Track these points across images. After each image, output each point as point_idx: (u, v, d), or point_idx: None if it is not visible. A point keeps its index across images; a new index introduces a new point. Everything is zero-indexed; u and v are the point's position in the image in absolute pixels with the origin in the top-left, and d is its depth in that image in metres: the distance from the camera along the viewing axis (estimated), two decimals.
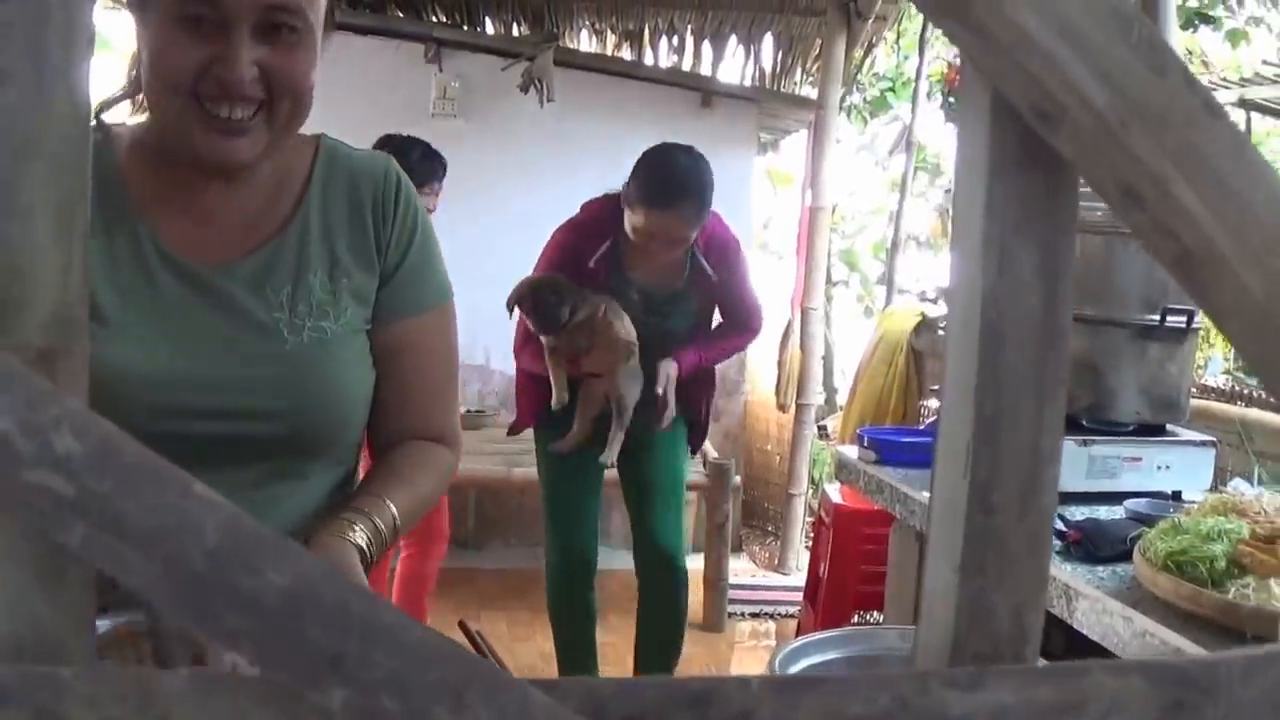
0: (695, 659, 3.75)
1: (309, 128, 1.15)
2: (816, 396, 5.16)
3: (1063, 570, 1.70)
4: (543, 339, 2.76)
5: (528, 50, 4.95)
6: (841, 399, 6.68)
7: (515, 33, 5.36)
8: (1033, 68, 0.42)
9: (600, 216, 2.82)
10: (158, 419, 1.01)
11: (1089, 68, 0.41)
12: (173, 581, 0.39)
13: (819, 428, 5.87)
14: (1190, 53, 6.97)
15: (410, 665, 0.40)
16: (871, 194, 8.99)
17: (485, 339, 4.70)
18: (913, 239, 7.93)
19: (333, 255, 1.14)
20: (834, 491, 3.75)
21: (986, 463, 0.46)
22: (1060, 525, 1.83)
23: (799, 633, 3.93)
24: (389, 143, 3.37)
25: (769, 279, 6.23)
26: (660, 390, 2.81)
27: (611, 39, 5.55)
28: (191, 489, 0.40)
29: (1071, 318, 0.47)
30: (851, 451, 2.58)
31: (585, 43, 5.53)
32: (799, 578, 4.47)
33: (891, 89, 7.85)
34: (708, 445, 3.88)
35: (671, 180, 2.68)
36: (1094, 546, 1.76)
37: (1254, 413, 3.07)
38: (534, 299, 2.71)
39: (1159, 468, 2.14)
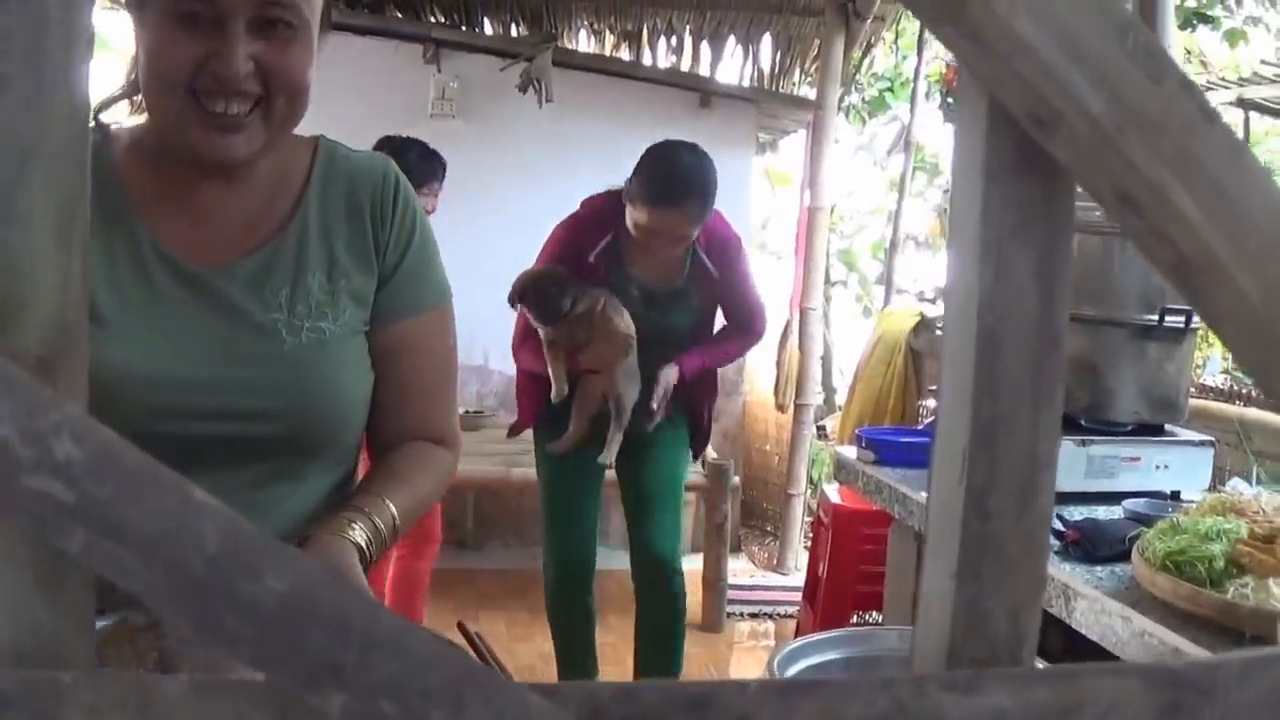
0: (694, 659, 3.75)
1: (307, 129, 1.15)
2: (815, 397, 5.16)
3: (1061, 570, 1.70)
4: (541, 333, 2.75)
5: (526, 51, 4.95)
6: (840, 399, 6.69)
7: (514, 33, 5.37)
8: (1029, 74, 0.42)
9: (601, 212, 2.81)
10: (156, 420, 1.02)
11: (1086, 75, 0.41)
12: (173, 587, 0.39)
13: (818, 428, 5.88)
14: (1188, 52, 6.98)
15: (409, 670, 0.40)
16: (870, 194, 9.00)
17: (484, 339, 4.70)
18: (911, 239, 7.94)
19: (331, 256, 1.14)
20: (833, 492, 3.75)
21: (983, 468, 0.46)
22: (1059, 525, 1.83)
23: (798, 633, 3.93)
24: (388, 144, 3.37)
25: (768, 279, 6.22)
26: (655, 403, 2.79)
27: (610, 39, 5.55)
28: (191, 495, 0.40)
29: (1068, 323, 0.47)
30: (850, 452, 2.59)
31: (584, 43, 5.53)
32: (798, 578, 4.47)
33: (890, 89, 7.86)
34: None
35: (675, 178, 2.66)
36: (1092, 546, 1.76)
37: (1252, 412, 3.08)
38: (535, 290, 2.70)
39: (1157, 467, 2.14)
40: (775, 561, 5.10)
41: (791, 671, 0.91)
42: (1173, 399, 2.20)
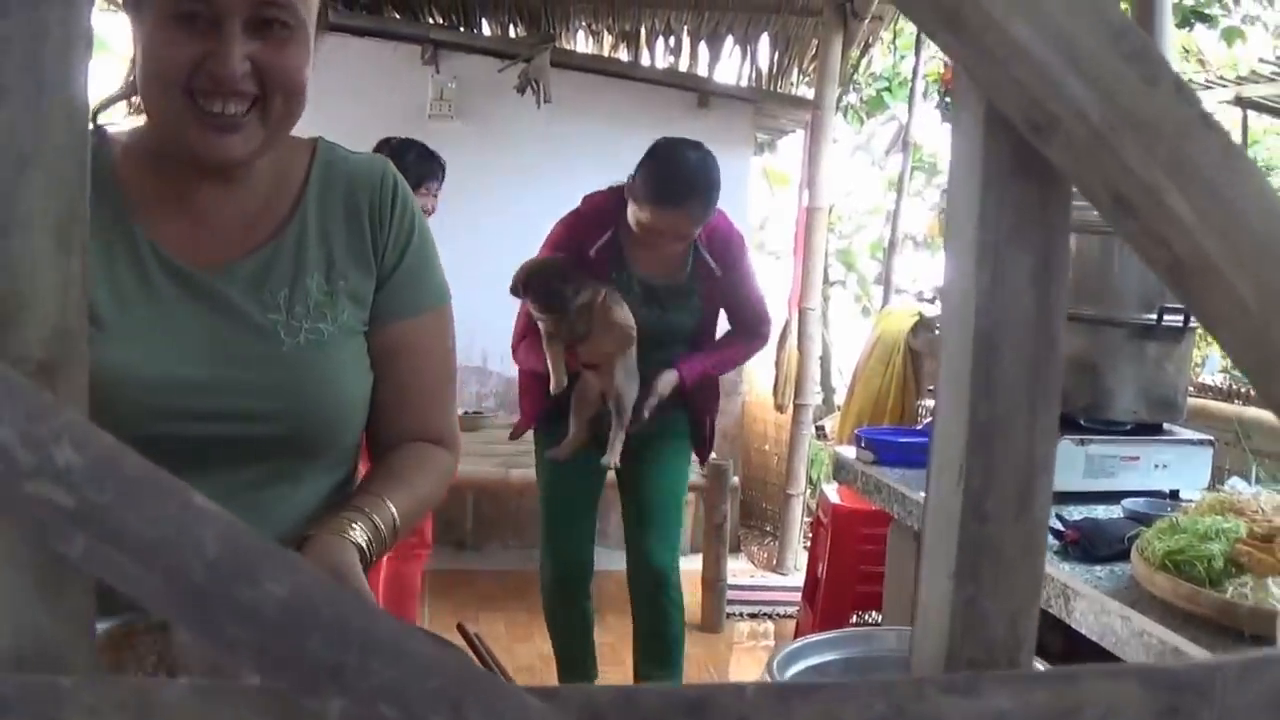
0: (694, 660, 3.76)
1: (306, 130, 1.16)
2: (814, 397, 5.17)
3: (1061, 570, 1.70)
4: (541, 325, 2.72)
5: (524, 51, 4.96)
6: (839, 399, 6.70)
7: (512, 34, 5.37)
8: (1025, 79, 0.42)
9: (602, 208, 2.79)
10: (155, 421, 1.02)
11: (1082, 79, 0.42)
12: (173, 593, 0.39)
13: (817, 428, 5.88)
14: (1186, 51, 6.99)
15: (408, 674, 0.40)
16: (868, 194, 9.01)
17: (483, 340, 4.71)
18: (910, 239, 7.94)
19: (330, 257, 1.14)
20: (832, 492, 3.76)
21: (980, 471, 0.46)
22: (1058, 525, 1.83)
23: (798, 633, 3.94)
24: (386, 145, 3.38)
25: (766, 279, 6.22)
26: (645, 409, 2.76)
27: (608, 40, 5.55)
28: (192, 501, 0.40)
29: (1064, 326, 0.47)
30: (849, 452, 2.59)
31: (582, 44, 5.54)
32: (797, 578, 4.48)
33: (888, 89, 7.86)
34: None
35: (679, 177, 2.64)
36: (1092, 546, 1.76)
37: (1251, 411, 3.08)
38: (537, 279, 2.68)
39: (1156, 467, 2.14)
40: (774, 562, 5.11)
41: (791, 673, 0.91)
42: (1171, 398, 2.21)
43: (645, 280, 2.79)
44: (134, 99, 1.13)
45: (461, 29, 5.29)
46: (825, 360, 7.25)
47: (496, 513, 5.02)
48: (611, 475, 2.93)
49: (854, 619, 3.53)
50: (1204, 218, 0.42)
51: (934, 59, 6.57)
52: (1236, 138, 5.66)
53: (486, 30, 5.37)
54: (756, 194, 7.13)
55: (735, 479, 4.59)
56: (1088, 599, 1.59)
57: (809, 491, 5.18)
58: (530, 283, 2.69)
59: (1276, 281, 0.43)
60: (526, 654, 3.83)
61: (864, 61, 6.42)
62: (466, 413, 4.73)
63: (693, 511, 4.73)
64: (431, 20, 5.28)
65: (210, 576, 0.39)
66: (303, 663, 0.40)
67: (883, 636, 0.99)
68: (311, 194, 1.15)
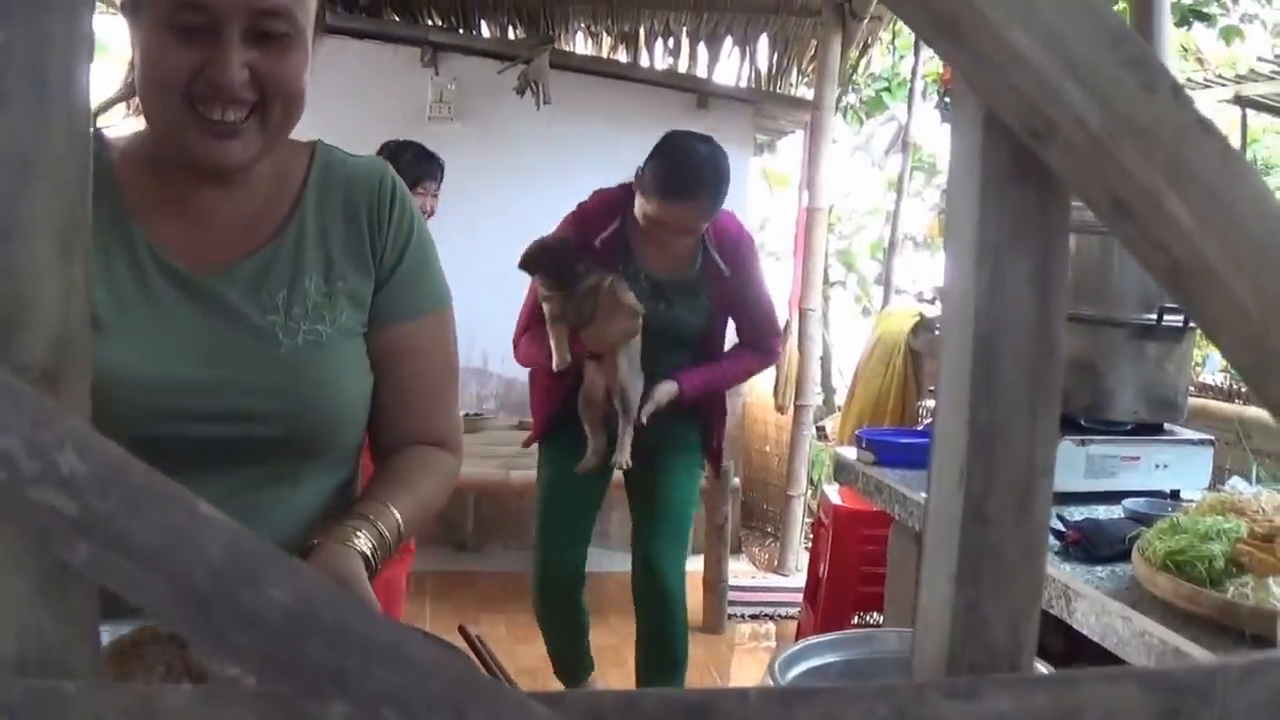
0: (695, 661, 3.75)
1: (306, 133, 1.16)
2: (815, 397, 5.16)
3: (1061, 570, 1.70)
4: (546, 308, 2.70)
5: (524, 53, 4.96)
6: (840, 400, 6.70)
7: (511, 35, 5.37)
8: (1024, 86, 0.42)
9: (610, 203, 2.78)
10: (153, 422, 1.02)
11: (1080, 85, 0.42)
12: (177, 599, 0.40)
13: (817, 429, 5.88)
14: (1185, 50, 6.99)
15: (411, 680, 0.40)
16: (868, 194, 9.01)
17: (483, 341, 4.71)
18: (910, 239, 7.94)
19: (328, 259, 1.14)
20: (833, 493, 3.76)
21: (981, 475, 0.46)
22: (1059, 525, 1.83)
23: (799, 634, 3.94)
24: (385, 148, 3.39)
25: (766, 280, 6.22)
26: (643, 417, 2.74)
27: (607, 41, 5.56)
28: (195, 507, 0.40)
29: (1064, 330, 0.47)
30: (850, 452, 2.59)
31: (581, 45, 5.54)
32: (798, 579, 4.47)
33: (887, 89, 7.86)
34: None
35: (688, 170, 2.63)
36: (1092, 546, 1.76)
37: (1252, 410, 3.07)
38: (547, 254, 2.67)
39: (1157, 467, 2.14)
40: (776, 563, 5.10)
41: (792, 675, 0.91)
42: (1172, 398, 2.21)
43: (652, 275, 2.77)
44: (132, 101, 1.13)
45: (460, 31, 5.29)
46: (826, 361, 7.26)
47: (497, 514, 5.02)
48: (615, 479, 2.92)
49: (855, 620, 3.53)
50: (1203, 222, 0.42)
51: (933, 59, 6.57)
52: (1235, 136, 5.67)
53: (486, 32, 5.38)
54: (756, 195, 7.12)
55: (736, 480, 4.59)
56: (1089, 599, 1.59)
57: (810, 492, 5.18)
58: (541, 257, 2.67)
59: (1275, 285, 0.43)
60: (528, 656, 3.82)
61: (863, 62, 6.42)
62: (467, 414, 4.72)
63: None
64: (431, 22, 5.28)
65: (214, 583, 0.39)
66: (305, 668, 0.40)
67: (884, 638, 0.99)
68: (310, 196, 1.15)
